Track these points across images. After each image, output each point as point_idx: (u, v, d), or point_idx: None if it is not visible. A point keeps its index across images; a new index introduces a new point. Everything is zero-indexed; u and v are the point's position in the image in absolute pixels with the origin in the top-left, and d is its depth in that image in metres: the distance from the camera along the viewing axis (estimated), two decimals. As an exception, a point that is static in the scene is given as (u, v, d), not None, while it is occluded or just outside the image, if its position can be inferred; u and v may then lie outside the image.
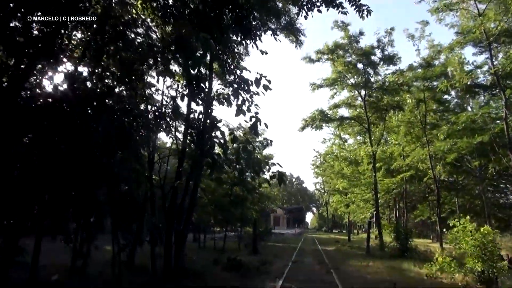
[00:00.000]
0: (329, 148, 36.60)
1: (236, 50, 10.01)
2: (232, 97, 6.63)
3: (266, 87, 6.02)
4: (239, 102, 6.42)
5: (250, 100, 6.38)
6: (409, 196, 32.82)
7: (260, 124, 6.26)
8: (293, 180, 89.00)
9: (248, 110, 6.35)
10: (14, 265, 6.35)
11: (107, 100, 7.45)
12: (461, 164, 25.69)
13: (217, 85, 10.34)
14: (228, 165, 9.65)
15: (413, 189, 33.92)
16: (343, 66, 23.06)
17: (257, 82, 6.03)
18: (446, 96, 24.14)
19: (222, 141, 6.99)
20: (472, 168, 25.26)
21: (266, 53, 8.01)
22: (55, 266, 9.20)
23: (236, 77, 7.22)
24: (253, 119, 6.35)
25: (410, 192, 33.15)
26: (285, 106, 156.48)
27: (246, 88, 6.39)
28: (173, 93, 10.11)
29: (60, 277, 8.39)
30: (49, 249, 8.10)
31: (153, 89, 10.55)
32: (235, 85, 6.68)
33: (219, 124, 7.39)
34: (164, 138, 19.78)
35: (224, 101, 6.99)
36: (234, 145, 7.23)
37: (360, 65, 23.45)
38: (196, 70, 6.81)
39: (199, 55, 6.24)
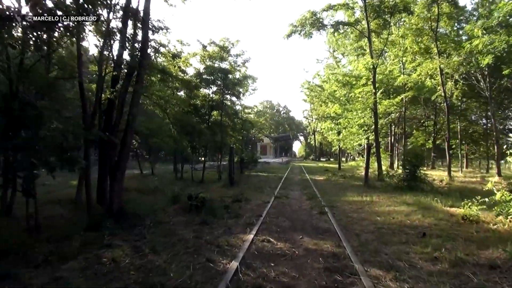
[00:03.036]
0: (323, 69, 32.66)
1: None
2: None
3: None
4: None
5: None
6: (406, 121, 30.65)
7: None
8: (281, 109, 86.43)
9: None
10: None
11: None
12: (470, 83, 23.08)
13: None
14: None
15: (408, 114, 31.70)
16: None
17: None
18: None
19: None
20: (482, 88, 22.74)
21: None
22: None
23: None
24: None
25: (407, 117, 30.93)
26: (273, 34, 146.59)
27: None
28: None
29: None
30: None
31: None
32: None
33: None
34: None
35: None
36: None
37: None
38: None
39: None
